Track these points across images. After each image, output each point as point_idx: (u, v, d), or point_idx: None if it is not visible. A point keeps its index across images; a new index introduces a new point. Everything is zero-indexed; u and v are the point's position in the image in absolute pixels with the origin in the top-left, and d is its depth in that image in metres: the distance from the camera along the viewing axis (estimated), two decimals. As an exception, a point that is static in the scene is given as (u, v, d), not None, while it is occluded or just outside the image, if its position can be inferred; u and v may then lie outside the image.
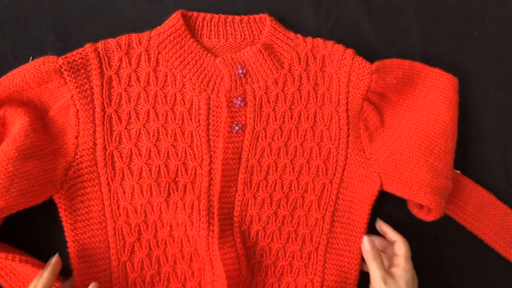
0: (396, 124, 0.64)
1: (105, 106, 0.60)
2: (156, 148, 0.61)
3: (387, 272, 0.59)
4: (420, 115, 0.64)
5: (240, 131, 0.62)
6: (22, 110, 0.58)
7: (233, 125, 0.62)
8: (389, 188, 0.62)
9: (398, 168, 0.62)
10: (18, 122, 0.58)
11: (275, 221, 0.63)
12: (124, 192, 0.60)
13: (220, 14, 0.65)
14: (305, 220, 0.64)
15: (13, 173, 0.54)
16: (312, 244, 0.63)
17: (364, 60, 0.63)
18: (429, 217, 0.62)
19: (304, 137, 0.64)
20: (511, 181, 0.70)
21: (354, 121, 0.64)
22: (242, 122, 0.63)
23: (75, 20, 0.67)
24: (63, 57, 0.58)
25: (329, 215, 0.63)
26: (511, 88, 0.71)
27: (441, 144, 0.62)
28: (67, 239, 0.59)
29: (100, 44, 0.61)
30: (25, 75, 0.57)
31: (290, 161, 0.63)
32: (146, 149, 0.61)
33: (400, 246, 0.61)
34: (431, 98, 0.64)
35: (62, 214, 0.59)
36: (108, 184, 0.60)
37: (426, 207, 0.62)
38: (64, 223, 0.59)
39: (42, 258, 0.59)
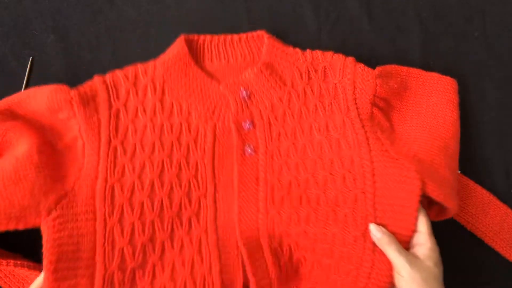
0: (408, 130, 0.63)
1: (111, 138, 0.59)
2: (160, 180, 0.59)
3: (410, 253, 0.50)
4: (428, 118, 0.63)
5: (253, 153, 0.61)
6: (33, 133, 0.58)
7: (245, 148, 0.61)
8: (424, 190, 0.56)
9: (426, 170, 0.58)
10: (24, 142, 0.57)
11: (306, 238, 0.58)
12: (122, 231, 0.56)
13: (219, 35, 0.65)
14: (342, 238, 0.57)
15: None
16: (352, 264, 0.55)
17: (366, 66, 0.62)
18: (439, 218, 0.60)
19: (320, 149, 0.61)
20: (511, 181, 0.70)
21: (368, 125, 0.61)
22: (254, 144, 0.62)
23: (75, 20, 0.67)
24: (74, 89, 0.58)
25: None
26: (511, 88, 0.71)
27: (452, 145, 0.61)
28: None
29: (108, 76, 0.61)
30: (39, 101, 0.57)
31: (312, 175, 0.60)
32: (149, 181, 0.58)
33: (422, 220, 0.52)
34: (433, 102, 0.64)
35: (44, 247, 0.53)
36: (105, 220, 0.56)
37: (436, 207, 0.60)
38: (44, 260, 0.52)
39: (41, 259, 0.58)
